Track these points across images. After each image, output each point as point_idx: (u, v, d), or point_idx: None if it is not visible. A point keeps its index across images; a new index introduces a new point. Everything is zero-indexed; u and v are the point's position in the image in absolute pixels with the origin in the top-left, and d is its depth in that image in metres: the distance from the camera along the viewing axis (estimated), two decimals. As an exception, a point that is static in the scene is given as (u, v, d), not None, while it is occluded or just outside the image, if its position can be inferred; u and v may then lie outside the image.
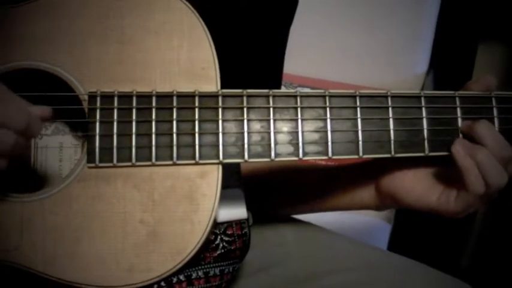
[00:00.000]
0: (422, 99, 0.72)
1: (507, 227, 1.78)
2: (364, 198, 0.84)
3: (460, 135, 0.72)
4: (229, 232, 0.75)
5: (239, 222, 0.76)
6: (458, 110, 0.72)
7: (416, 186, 0.77)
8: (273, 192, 0.91)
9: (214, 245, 0.75)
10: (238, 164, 0.81)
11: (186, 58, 0.70)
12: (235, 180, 0.79)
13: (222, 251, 0.75)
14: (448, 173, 0.75)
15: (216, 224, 0.74)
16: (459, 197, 0.72)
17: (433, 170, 0.77)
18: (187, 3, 0.71)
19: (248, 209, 0.78)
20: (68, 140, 0.78)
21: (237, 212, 0.77)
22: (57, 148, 0.78)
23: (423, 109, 0.72)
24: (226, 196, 0.76)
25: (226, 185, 0.78)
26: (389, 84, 1.54)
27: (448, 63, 1.76)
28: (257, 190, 0.83)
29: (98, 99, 0.69)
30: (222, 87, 0.71)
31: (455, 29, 1.81)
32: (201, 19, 0.71)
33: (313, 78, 1.50)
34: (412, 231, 1.62)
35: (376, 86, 1.51)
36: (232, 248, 0.75)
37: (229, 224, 0.76)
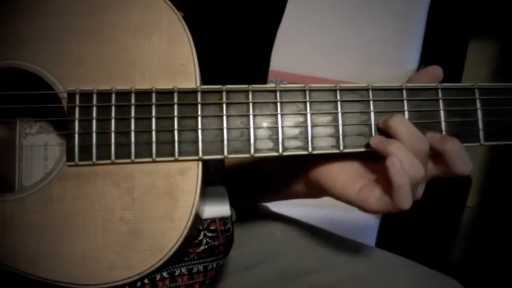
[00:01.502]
0: (404, 92, 0.68)
1: (496, 222, 1.75)
2: (296, 187, 0.80)
3: (375, 133, 0.68)
4: (212, 228, 0.72)
5: (222, 218, 0.73)
6: (441, 102, 0.69)
7: (341, 176, 0.71)
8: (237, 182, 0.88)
9: (197, 241, 0.72)
10: (222, 161, 0.78)
11: (165, 55, 0.67)
12: (219, 177, 0.76)
13: (206, 246, 0.72)
14: (374, 167, 0.71)
15: (199, 221, 0.71)
16: (381, 199, 0.67)
17: (362, 163, 0.72)
18: (166, 0, 0.68)
19: (231, 205, 0.75)
20: (53, 139, 0.75)
21: (220, 209, 0.74)
22: (42, 147, 0.75)
23: (405, 102, 0.68)
24: (209, 193, 0.74)
25: (210, 182, 0.75)
26: (379, 81, 1.50)
27: (438, 59, 1.72)
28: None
29: (77, 97, 0.66)
30: (208, 83, 0.67)
31: (446, 25, 1.77)
32: (180, 16, 0.68)
33: (302, 75, 1.46)
34: (400, 227, 1.58)
35: (365, 82, 1.46)
36: (215, 243, 0.72)
37: (212, 219, 0.73)
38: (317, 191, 0.75)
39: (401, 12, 1.60)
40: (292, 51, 1.43)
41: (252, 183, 0.88)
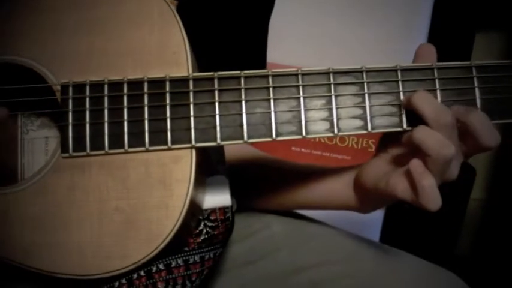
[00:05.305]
0: (399, 73, 0.64)
1: (501, 214, 1.68)
2: (344, 198, 0.76)
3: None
4: (212, 218, 0.69)
5: (222, 208, 0.69)
6: (437, 81, 0.64)
7: (375, 169, 0.68)
8: (251, 186, 0.84)
9: (198, 231, 0.68)
10: (223, 151, 0.74)
11: (156, 44, 0.64)
12: (221, 168, 0.73)
13: (206, 236, 0.68)
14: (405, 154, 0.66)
15: (198, 210, 0.68)
16: (406, 191, 0.63)
17: (394, 150, 0.68)
18: None
19: (232, 195, 0.71)
20: (54, 133, 0.72)
21: (221, 198, 0.70)
22: (43, 140, 0.72)
23: (400, 83, 0.64)
24: (210, 183, 0.70)
25: (212, 172, 0.72)
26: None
27: (444, 53, 1.66)
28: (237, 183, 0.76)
29: (70, 88, 0.63)
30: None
31: (451, 18, 1.71)
32: (171, 5, 0.65)
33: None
34: (405, 222, 1.51)
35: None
36: (215, 233, 0.69)
37: (212, 209, 0.69)
38: (361, 193, 0.73)
39: (407, 5, 1.54)
40: (293, 45, 1.39)
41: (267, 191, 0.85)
